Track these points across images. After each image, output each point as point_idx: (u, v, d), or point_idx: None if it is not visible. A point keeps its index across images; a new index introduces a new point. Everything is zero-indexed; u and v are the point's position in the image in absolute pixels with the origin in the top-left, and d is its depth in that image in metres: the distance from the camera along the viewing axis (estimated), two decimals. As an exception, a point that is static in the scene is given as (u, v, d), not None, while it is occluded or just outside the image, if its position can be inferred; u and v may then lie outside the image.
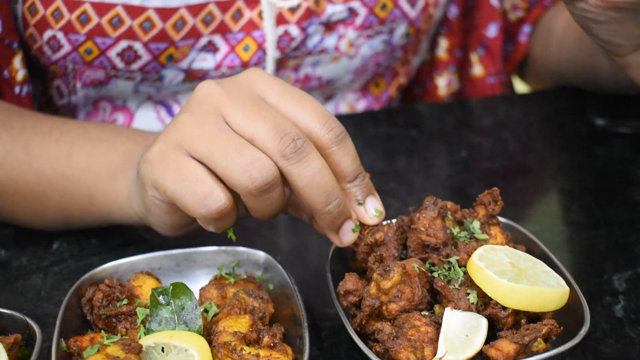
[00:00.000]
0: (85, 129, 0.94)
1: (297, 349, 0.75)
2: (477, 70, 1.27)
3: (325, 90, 1.18)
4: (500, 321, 0.75)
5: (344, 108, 1.21)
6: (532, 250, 0.82)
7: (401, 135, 1.16)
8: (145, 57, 1.05)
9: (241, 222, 0.86)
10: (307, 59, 1.13)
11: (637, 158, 1.08)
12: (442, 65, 1.27)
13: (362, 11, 1.12)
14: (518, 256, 0.78)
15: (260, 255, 0.84)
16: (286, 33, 1.09)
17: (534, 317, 0.76)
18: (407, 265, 0.76)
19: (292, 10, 1.09)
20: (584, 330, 0.73)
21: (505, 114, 1.22)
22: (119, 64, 1.06)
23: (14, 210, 0.94)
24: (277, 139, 0.77)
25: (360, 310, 0.77)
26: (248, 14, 1.08)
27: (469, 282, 0.76)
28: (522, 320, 0.76)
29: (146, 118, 1.13)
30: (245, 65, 1.09)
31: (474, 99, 1.25)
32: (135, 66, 1.06)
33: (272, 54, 1.10)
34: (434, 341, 0.73)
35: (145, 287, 0.80)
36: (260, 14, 1.08)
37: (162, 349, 0.72)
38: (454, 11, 1.24)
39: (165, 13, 1.03)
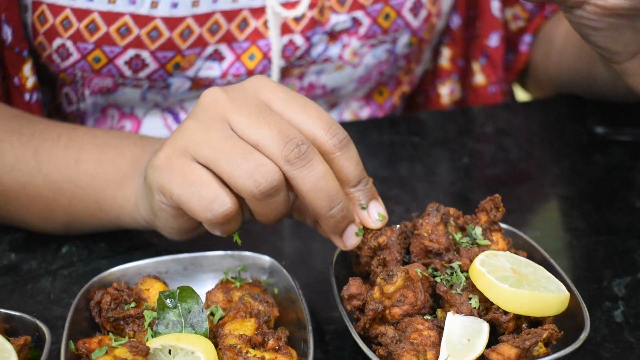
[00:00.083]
0: (94, 135, 0.95)
1: (302, 352, 0.75)
2: (479, 79, 1.27)
3: (329, 99, 1.18)
4: (502, 326, 0.75)
5: (348, 116, 1.21)
6: (533, 256, 0.82)
7: (404, 142, 1.15)
8: (153, 65, 1.06)
9: (246, 227, 0.86)
10: (312, 67, 1.13)
11: (637, 165, 1.08)
12: (444, 74, 1.27)
13: (366, 21, 1.12)
14: (519, 262, 0.78)
15: (266, 259, 0.84)
16: (291, 42, 1.10)
17: (535, 322, 0.76)
18: (410, 270, 0.76)
19: (297, 20, 1.09)
20: (584, 335, 0.73)
21: (506, 121, 1.22)
22: (127, 72, 1.06)
23: (24, 214, 0.95)
24: (281, 145, 0.77)
25: (364, 314, 0.77)
26: (253, 24, 1.08)
27: (471, 287, 0.76)
28: (523, 325, 0.76)
29: (153, 125, 1.14)
30: (250, 74, 1.09)
31: (476, 107, 1.25)
32: (142, 74, 1.07)
33: (277, 62, 1.10)
34: (437, 345, 0.74)
35: (152, 291, 0.80)
36: (265, 24, 1.08)
37: (169, 351, 0.73)
38: (456, 21, 1.24)
39: (172, 22, 1.04)
